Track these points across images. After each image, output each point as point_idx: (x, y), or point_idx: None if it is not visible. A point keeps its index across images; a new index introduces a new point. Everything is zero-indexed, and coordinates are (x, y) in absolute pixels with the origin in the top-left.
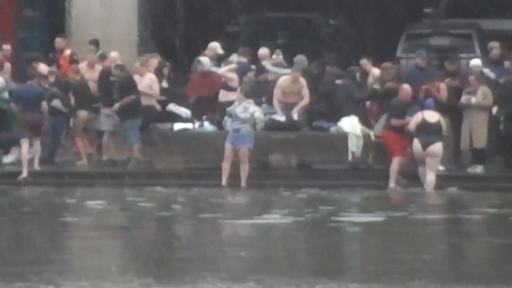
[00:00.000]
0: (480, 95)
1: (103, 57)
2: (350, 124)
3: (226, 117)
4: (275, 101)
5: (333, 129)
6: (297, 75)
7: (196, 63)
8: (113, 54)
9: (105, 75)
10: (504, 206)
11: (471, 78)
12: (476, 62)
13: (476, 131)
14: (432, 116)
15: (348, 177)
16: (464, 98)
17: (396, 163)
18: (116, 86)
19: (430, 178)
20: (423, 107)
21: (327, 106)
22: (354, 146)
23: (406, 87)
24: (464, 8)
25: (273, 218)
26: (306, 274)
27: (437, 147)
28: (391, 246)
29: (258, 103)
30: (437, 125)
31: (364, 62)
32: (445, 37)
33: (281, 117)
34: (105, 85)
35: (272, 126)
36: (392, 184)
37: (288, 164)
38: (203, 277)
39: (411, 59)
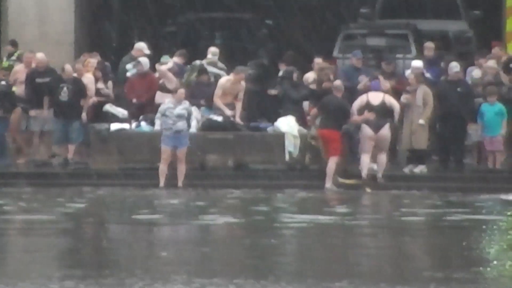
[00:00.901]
0: (420, 95)
1: (21, 58)
2: (287, 124)
3: (157, 118)
4: (216, 100)
5: (270, 129)
6: (241, 76)
7: (123, 64)
8: (39, 55)
9: (31, 76)
10: (438, 206)
11: (411, 78)
12: (417, 63)
13: (417, 132)
14: (375, 97)
15: (285, 177)
16: (404, 97)
17: (332, 163)
18: (69, 89)
19: (382, 158)
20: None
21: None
22: (291, 146)
23: (339, 83)
24: (399, 9)
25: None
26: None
27: (385, 131)
28: (313, 247)
29: (197, 104)
30: (382, 106)
31: (319, 61)
32: (381, 37)
33: (218, 117)
34: (32, 86)
35: (209, 126)
36: (328, 184)
37: (225, 164)
38: (130, 278)
39: (347, 59)
